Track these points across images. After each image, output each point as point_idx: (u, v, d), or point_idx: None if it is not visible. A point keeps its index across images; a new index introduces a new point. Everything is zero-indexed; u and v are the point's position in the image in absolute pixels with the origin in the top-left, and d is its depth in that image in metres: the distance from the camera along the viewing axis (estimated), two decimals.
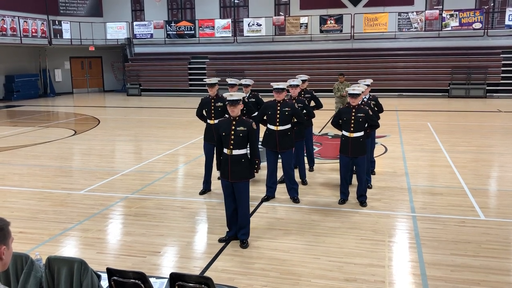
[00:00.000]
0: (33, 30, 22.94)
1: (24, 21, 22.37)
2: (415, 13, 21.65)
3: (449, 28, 21.39)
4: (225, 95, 5.37)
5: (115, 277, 3.03)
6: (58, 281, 3.11)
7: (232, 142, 5.16)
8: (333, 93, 13.10)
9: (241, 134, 5.14)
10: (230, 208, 5.33)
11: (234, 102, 5.10)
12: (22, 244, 5.24)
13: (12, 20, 21.74)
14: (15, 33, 21.90)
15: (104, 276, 3.16)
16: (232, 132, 5.15)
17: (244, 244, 5.23)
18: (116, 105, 21.18)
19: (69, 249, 5.30)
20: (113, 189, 7.56)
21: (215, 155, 7.06)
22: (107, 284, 3.10)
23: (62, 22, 24.53)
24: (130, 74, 24.95)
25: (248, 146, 5.26)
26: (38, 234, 5.67)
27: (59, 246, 5.33)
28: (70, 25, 24.68)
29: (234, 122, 5.17)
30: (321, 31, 22.86)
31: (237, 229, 5.33)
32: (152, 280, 3.13)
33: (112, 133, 13.10)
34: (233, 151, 5.17)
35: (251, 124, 5.20)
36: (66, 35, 24.60)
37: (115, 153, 10.80)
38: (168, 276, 3.05)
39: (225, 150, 5.23)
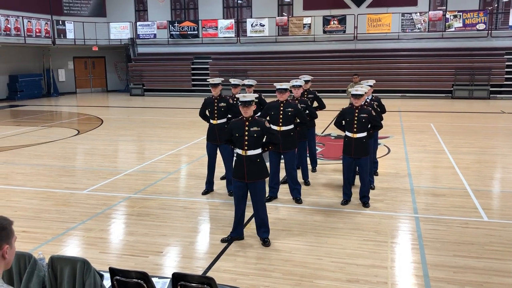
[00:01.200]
0: (37, 30, 23.02)
1: (28, 21, 22.46)
2: (418, 14, 21.62)
3: (453, 29, 21.35)
4: (237, 96, 5.38)
5: (118, 277, 3.04)
6: (61, 281, 3.12)
7: (246, 143, 5.15)
8: (345, 94, 13.04)
9: (255, 135, 5.14)
10: (240, 210, 5.33)
11: (247, 103, 5.10)
12: (25, 243, 5.26)
13: (16, 20, 21.82)
14: (19, 33, 21.99)
15: (107, 275, 3.16)
16: (246, 133, 5.14)
17: (266, 243, 5.24)
18: (119, 105, 21.22)
19: (72, 248, 5.31)
20: (116, 189, 7.58)
21: (218, 155, 7.15)
22: (110, 284, 3.11)
23: (65, 22, 24.61)
24: (133, 74, 25.00)
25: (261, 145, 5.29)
26: (41, 234, 5.69)
27: (62, 246, 5.35)
28: (74, 25, 24.77)
29: (247, 123, 5.17)
30: (324, 32, 22.85)
31: (257, 228, 5.36)
32: (154, 280, 3.14)
33: (115, 133, 13.13)
34: (248, 151, 5.16)
35: (264, 123, 5.20)
36: (70, 35, 24.68)
37: (118, 153, 10.82)
38: (170, 276, 3.05)
39: (240, 151, 5.22)
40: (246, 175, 5.16)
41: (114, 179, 8.15)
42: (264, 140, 5.31)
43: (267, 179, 6.87)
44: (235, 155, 5.47)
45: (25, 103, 21.38)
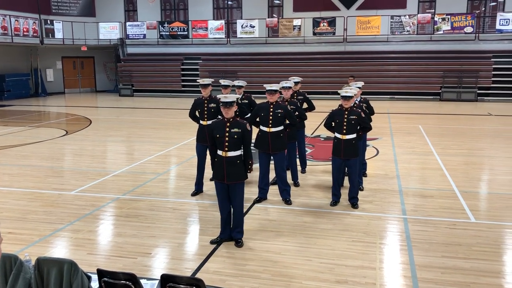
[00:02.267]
0: (25, 29, 22.78)
1: (16, 20, 22.22)
2: (407, 17, 21.81)
3: (441, 32, 21.57)
4: (219, 96, 5.34)
5: (106, 279, 3.01)
6: (48, 283, 3.08)
7: (226, 144, 5.13)
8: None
9: (235, 136, 5.11)
10: (225, 210, 5.31)
11: (228, 104, 5.07)
12: (11, 245, 5.19)
13: (3, 19, 21.57)
14: (6, 32, 21.73)
15: (95, 277, 3.14)
16: (227, 134, 5.12)
17: (239, 244, 5.23)
18: (108, 105, 21.08)
19: (59, 250, 5.25)
20: (105, 190, 7.52)
21: (207, 156, 7.13)
22: (98, 286, 3.08)
23: (54, 21, 24.39)
24: (123, 75, 24.85)
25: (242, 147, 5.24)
26: (28, 235, 5.61)
27: (49, 247, 5.29)
28: (62, 25, 24.55)
29: (228, 124, 5.14)
30: (314, 34, 22.93)
31: (232, 228, 5.35)
32: (143, 281, 3.12)
33: (104, 134, 13.03)
34: (228, 153, 5.14)
35: (245, 125, 5.18)
36: (58, 34, 24.46)
37: (106, 154, 10.74)
38: (159, 278, 3.04)
39: (220, 152, 5.20)
40: (226, 177, 5.15)
41: (102, 180, 8.09)
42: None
43: (256, 181, 6.91)
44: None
45: (12, 103, 21.13)
